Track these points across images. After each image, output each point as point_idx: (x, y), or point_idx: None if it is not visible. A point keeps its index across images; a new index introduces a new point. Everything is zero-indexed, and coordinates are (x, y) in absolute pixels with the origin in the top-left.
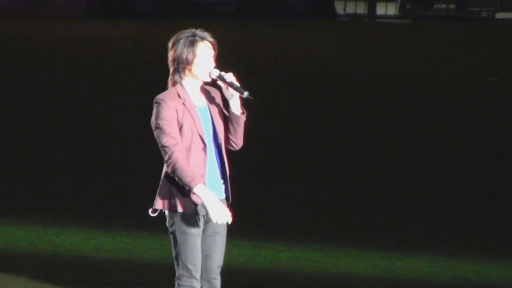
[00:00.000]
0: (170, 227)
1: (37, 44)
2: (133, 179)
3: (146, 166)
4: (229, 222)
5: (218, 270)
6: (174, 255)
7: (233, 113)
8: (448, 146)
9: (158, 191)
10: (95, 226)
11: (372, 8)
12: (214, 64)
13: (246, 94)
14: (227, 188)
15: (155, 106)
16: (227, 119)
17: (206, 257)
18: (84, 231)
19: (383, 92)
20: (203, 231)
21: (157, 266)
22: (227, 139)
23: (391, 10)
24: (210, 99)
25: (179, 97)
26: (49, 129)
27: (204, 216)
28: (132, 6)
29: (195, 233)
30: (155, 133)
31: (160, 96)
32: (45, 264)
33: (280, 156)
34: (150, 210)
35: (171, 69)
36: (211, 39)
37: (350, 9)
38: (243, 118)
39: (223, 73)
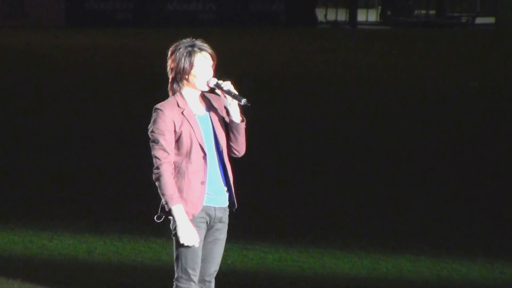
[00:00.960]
0: (173, 230)
1: (17, 54)
2: (124, 184)
3: (135, 171)
4: (196, 245)
5: (214, 274)
6: (174, 257)
7: (233, 121)
8: (429, 149)
9: (163, 203)
10: (87, 230)
11: (353, 15)
12: (212, 74)
13: (243, 101)
14: (231, 195)
15: (153, 114)
16: (227, 126)
17: (204, 262)
18: (76, 235)
19: (366, 98)
20: (205, 237)
21: (148, 268)
22: (229, 146)
23: (372, 17)
24: (211, 107)
25: (178, 106)
26: (36, 136)
27: (207, 223)
28: (111, 15)
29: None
30: (150, 142)
31: (159, 105)
32: (39, 267)
33: (266, 160)
34: (155, 217)
35: (170, 78)
36: (209, 50)
37: (331, 16)
38: (242, 126)
39: (220, 82)
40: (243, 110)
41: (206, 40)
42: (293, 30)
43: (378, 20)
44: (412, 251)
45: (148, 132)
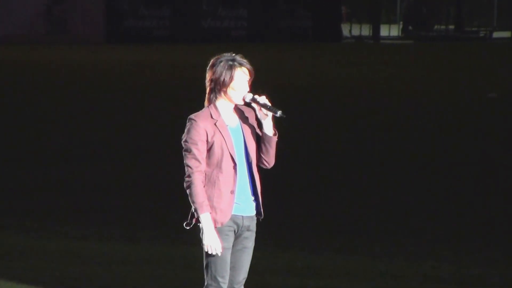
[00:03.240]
0: (202, 238)
1: (59, 70)
2: (156, 194)
3: (167, 181)
4: (219, 254)
5: (243, 282)
6: (204, 265)
7: (266, 134)
8: (448, 158)
9: (193, 210)
10: (121, 238)
11: (376, 30)
12: (248, 89)
13: (279, 113)
14: (258, 204)
15: (187, 124)
16: (259, 139)
17: (232, 269)
18: (110, 243)
19: (386, 109)
20: (233, 245)
21: (179, 275)
22: (259, 157)
23: (394, 31)
24: (243, 119)
25: (212, 117)
26: (76, 150)
27: (235, 231)
28: (148, 32)
29: (226, 246)
30: (183, 151)
31: (193, 115)
32: (75, 275)
33: (293, 169)
34: (185, 224)
35: (208, 89)
36: (248, 66)
37: (356, 32)
38: (275, 139)
39: (256, 96)
40: (276, 122)
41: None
42: (320, 45)
43: (400, 35)
44: (436, 257)
45: (182, 142)
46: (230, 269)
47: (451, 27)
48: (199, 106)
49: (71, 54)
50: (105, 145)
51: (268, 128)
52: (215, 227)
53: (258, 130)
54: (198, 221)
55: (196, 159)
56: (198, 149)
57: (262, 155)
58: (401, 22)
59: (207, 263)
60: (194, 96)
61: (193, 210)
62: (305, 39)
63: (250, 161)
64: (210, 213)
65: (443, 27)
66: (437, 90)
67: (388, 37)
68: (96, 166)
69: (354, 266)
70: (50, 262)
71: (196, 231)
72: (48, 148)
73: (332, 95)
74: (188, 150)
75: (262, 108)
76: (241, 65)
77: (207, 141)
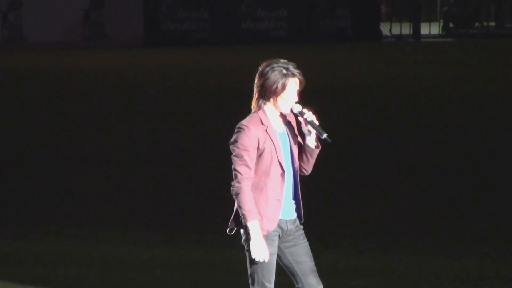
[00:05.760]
0: (246, 246)
1: (98, 75)
2: (198, 198)
3: (209, 186)
4: (266, 262)
5: (315, 275)
6: (249, 273)
7: (308, 146)
8: (498, 156)
9: (234, 212)
10: (162, 243)
11: (416, 28)
12: (297, 99)
13: (325, 136)
14: (298, 208)
15: (237, 130)
16: (301, 145)
17: (297, 264)
18: (152, 248)
19: (429, 109)
20: (283, 248)
21: (222, 279)
22: (299, 164)
23: (435, 29)
24: (288, 124)
25: (262, 123)
26: (114, 154)
27: (279, 235)
28: (187, 35)
29: (272, 252)
30: (232, 156)
31: (244, 122)
32: (115, 281)
33: (333, 170)
34: (228, 230)
35: (256, 94)
36: (301, 77)
37: (396, 30)
38: (316, 151)
39: (305, 110)
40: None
41: (279, 56)
42: (360, 45)
43: (441, 32)
44: (478, 255)
45: (231, 147)
46: (296, 265)
47: (492, 23)
48: (245, 112)
49: (110, 58)
50: (148, 148)
51: (311, 141)
52: (263, 235)
53: (299, 138)
54: (240, 226)
55: (247, 166)
56: (249, 156)
57: (302, 163)
58: (442, 20)
59: (252, 271)
60: (239, 98)
61: (241, 217)
62: (344, 39)
63: (295, 166)
64: (259, 220)
65: (484, 24)
66: (479, 89)
67: (429, 36)
68: (133, 170)
69: (396, 266)
70: (91, 268)
71: (237, 236)
72: (88, 152)
73: (376, 95)
74: (239, 156)
75: (308, 125)
76: (294, 75)
77: (258, 147)
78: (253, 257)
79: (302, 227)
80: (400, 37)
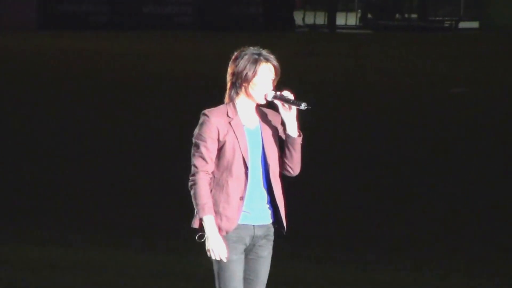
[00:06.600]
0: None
1: None
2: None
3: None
4: (224, 260)
5: None
6: (215, 280)
7: (289, 135)
8: (410, 156)
9: (195, 212)
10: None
11: (332, 18)
12: (271, 88)
13: (303, 105)
14: (278, 213)
15: (200, 119)
16: (283, 144)
17: (248, 281)
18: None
19: (346, 103)
20: (246, 255)
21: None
22: (282, 164)
23: (352, 20)
24: (266, 122)
25: (227, 115)
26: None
27: (245, 242)
28: (85, 18)
29: (233, 258)
30: (192, 146)
31: (207, 111)
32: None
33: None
34: (197, 237)
35: (229, 84)
36: (275, 62)
37: (309, 20)
38: (299, 141)
39: (278, 92)
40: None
41: (186, 43)
42: (271, 34)
43: (358, 24)
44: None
45: (193, 137)
46: (246, 282)
47: (414, 16)
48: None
49: (2, 40)
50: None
51: (292, 128)
52: (221, 235)
53: (282, 134)
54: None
55: (203, 158)
56: (207, 147)
57: (286, 161)
58: (359, 10)
59: (215, 277)
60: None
61: (195, 213)
62: (254, 28)
63: (267, 167)
64: (215, 218)
65: (405, 15)
66: (398, 84)
67: (345, 26)
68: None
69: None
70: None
71: None
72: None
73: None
74: (196, 146)
75: (285, 104)
76: (267, 60)
77: (218, 139)
78: (209, 255)
79: (273, 237)
80: (314, 27)
